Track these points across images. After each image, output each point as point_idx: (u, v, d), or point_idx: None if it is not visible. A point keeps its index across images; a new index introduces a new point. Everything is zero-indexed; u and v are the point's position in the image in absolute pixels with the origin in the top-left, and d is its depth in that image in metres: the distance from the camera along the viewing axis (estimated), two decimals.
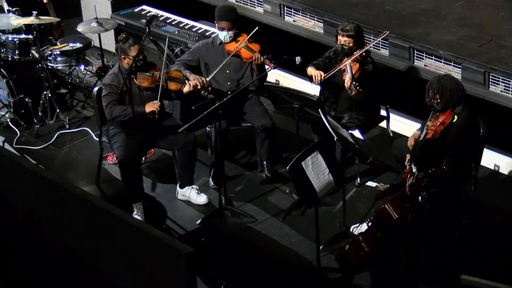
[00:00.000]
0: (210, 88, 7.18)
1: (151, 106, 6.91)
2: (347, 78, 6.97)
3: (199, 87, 7.09)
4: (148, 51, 8.44)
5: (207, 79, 7.21)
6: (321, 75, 7.10)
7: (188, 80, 7.12)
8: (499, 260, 6.45)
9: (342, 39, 7.15)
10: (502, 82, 7.10)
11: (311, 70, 7.18)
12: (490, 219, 6.88)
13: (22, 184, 6.22)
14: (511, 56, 7.26)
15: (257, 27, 7.30)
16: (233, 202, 7.22)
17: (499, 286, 6.05)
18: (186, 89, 7.10)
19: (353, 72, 7.00)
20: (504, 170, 7.41)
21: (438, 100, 6.47)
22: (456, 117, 6.48)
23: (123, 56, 6.96)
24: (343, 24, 7.25)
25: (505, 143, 7.37)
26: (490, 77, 7.13)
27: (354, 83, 6.91)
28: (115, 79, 7.00)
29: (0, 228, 6.46)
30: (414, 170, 6.14)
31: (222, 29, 7.36)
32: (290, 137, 7.77)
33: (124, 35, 6.96)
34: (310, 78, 7.24)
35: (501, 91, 7.12)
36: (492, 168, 7.44)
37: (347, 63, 7.04)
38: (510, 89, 7.05)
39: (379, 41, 7.57)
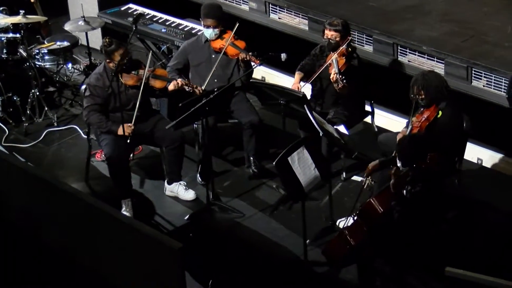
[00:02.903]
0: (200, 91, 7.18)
1: (121, 131, 6.87)
2: (333, 72, 7.00)
3: (184, 86, 7.09)
4: (135, 49, 8.46)
5: (203, 87, 7.20)
6: (298, 88, 7.20)
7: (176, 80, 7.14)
8: (483, 252, 6.49)
9: (329, 34, 7.17)
10: (484, 77, 7.13)
11: (294, 80, 7.32)
12: (475, 212, 6.92)
13: (11, 182, 6.21)
14: (494, 51, 7.30)
15: (238, 24, 7.31)
16: (221, 197, 7.23)
17: (484, 278, 6.08)
18: (171, 87, 7.09)
19: (340, 67, 7.03)
20: (487, 163, 7.46)
21: (423, 96, 6.50)
22: (440, 112, 6.51)
23: (108, 60, 6.96)
24: (331, 19, 7.28)
25: (488, 136, 7.42)
26: (473, 72, 7.17)
27: (340, 76, 6.94)
28: (100, 79, 6.99)
29: None
30: (399, 164, 6.16)
31: (207, 26, 7.37)
32: (277, 133, 7.80)
33: (107, 40, 6.93)
34: None
35: (484, 86, 7.16)
36: (475, 161, 7.48)
37: (333, 57, 7.07)
38: (492, 84, 7.09)
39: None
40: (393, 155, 6.32)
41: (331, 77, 7.02)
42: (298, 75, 7.38)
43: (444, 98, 6.52)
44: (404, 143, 6.15)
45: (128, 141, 6.85)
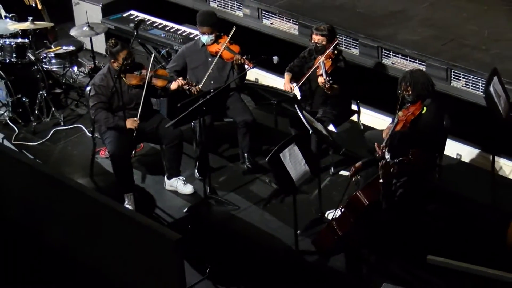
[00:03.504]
0: (198, 89, 7.21)
1: (130, 124, 6.90)
2: (321, 74, 7.03)
3: (185, 85, 7.13)
4: (136, 53, 8.46)
5: (199, 85, 7.23)
6: (291, 88, 7.19)
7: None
8: (463, 241, 6.51)
9: (316, 38, 7.20)
10: (463, 77, 7.16)
11: (285, 81, 7.30)
12: (454, 204, 6.95)
13: (20, 178, 6.21)
14: (472, 54, 7.32)
15: (235, 27, 7.33)
16: (217, 191, 7.25)
17: (463, 265, 6.11)
18: (173, 86, 7.12)
19: (326, 68, 7.06)
20: (466, 158, 7.48)
21: (410, 93, 6.53)
22: (425, 108, 6.54)
23: (112, 60, 6.97)
24: (318, 24, 7.30)
25: (466, 133, 7.44)
26: (452, 73, 7.20)
27: (327, 78, 6.97)
28: (104, 79, 7.01)
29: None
30: (387, 156, 6.19)
31: (203, 33, 7.40)
32: (269, 131, 7.81)
33: (113, 41, 6.97)
34: None
35: (462, 86, 7.19)
36: (455, 156, 7.51)
37: (320, 60, 7.09)
38: (470, 84, 7.13)
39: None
40: (376, 156, 6.34)
41: (319, 80, 7.04)
42: (287, 75, 7.40)
43: (429, 95, 6.56)
44: (396, 138, 6.18)
45: (134, 134, 6.86)
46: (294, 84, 7.31)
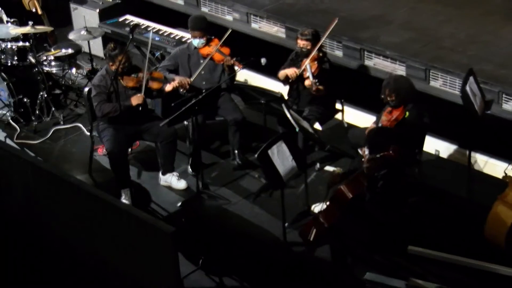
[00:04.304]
0: (189, 87, 7.23)
1: (136, 100, 6.92)
2: (307, 76, 7.03)
3: (180, 85, 7.13)
4: (132, 56, 8.44)
5: (191, 79, 7.23)
6: (295, 72, 7.14)
7: (174, 81, 7.16)
8: (441, 232, 6.53)
9: (301, 43, 7.19)
10: (440, 78, 7.19)
11: (284, 72, 7.22)
12: (433, 197, 6.96)
13: (21, 174, 6.20)
14: (449, 55, 7.35)
15: (230, 30, 7.33)
16: (210, 186, 7.24)
17: (441, 255, 6.13)
18: (168, 87, 7.11)
19: (313, 71, 7.06)
20: (444, 154, 7.50)
21: (394, 99, 6.51)
22: (407, 113, 6.54)
23: (110, 63, 6.96)
24: (302, 29, 7.30)
25: (444, 130, 7.46)
26: (431, 73, 7.22)
27: (314, 80, 6.96)
28: (102, 80, 7.00)
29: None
30: (366, 152, 6.19)
31: (195, 37, 7.40)
32: (258, 129, 7.80)
33: (112, 45, 6.95)
34: (284, 81, 7.29)
35: (440, 86, 7.21)
36: (433, 152, 7.53)
37: (306, 63, 7.09)
38: (448, 84, 7.15)
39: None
40: (361, 151, 6.34)
41: (306, 83, 7.04)
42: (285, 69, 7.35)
43: (412, 100, 6.56)
44: (373, 134, 6.19)
45: (140, 108, 6.86)
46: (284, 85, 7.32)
